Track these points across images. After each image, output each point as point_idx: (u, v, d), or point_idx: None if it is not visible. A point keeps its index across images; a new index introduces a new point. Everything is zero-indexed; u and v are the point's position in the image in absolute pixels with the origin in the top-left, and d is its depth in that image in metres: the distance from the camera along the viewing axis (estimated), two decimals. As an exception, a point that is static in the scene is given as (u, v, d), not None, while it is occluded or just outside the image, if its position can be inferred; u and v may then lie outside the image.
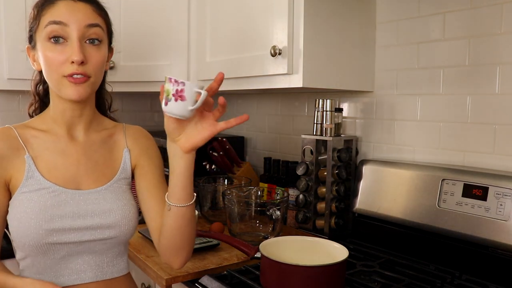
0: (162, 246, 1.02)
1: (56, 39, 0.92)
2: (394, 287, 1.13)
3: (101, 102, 1.13)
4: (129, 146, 1.08)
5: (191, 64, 1.82)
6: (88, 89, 0.95)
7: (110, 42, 1.03)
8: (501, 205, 1.17)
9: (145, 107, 2.52)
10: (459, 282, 1.16)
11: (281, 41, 1.38)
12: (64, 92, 0.94)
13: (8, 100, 2.01)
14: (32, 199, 0.93)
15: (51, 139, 1.00)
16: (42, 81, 1.04)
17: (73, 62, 0.91)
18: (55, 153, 0.99)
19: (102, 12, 1.00)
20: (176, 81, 0.87)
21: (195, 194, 0.97)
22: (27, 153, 0.96)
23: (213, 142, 1.99)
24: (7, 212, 0.95)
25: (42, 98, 1.06)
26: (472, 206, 1.22)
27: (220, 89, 1.77)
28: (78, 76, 0.92)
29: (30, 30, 0.97)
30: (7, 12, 1.67)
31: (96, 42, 0.95)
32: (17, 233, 0.92)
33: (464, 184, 1.25)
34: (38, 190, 0.94)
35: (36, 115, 1.06)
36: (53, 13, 0.92)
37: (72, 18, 0.92)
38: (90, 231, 0.96)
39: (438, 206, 1.30)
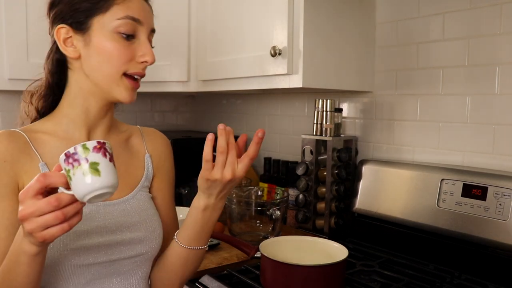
0: (155, 277, 0.96)
1: (128, 35, 0.85)
2: (394, 286, 1.13)
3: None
4: (149, 152, 0.99)
5: (192, 64, 1.82)
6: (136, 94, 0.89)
7: None
8: (500, 205, 1.17)
9: (145, 107, 2.52)
10: (459, 281, 1.16)
11: (281, 41, 1.39)
12: (116, 92, 0.86)
13: (9, 100, 2.01)
14: None
15: (65, 144, 0.85)
16: (58, 72, 0.90)
17: (143, 62, 0.87)
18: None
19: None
20: (67, 154, 0.62)
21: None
22: (41, 160, 0.84)
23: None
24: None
25: (55, 92, 0.92)
26: (471, 206, 1.23)
27: (220, 89, 1.79)
28: (138, 79, 0.88)
29: (81, 11, 0.83)
30: (7, 12, 1.67)
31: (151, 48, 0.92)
32: None
33: (464, 184, 1.25)
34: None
35: (43, 112, 0.93)
36: (130, 7, 0.85)
37: (145, 18, 0.88)
38: (120, 247, 0.86)
39: (438, 206, 1.30)
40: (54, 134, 0.88)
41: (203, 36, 1.75)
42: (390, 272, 1.20)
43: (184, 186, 1.85)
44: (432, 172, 1.34)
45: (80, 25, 0.84)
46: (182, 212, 1.65)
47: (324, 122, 1.57)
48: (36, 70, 1.83)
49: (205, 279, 1.18)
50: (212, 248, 1.40)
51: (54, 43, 0.87)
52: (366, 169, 1.52)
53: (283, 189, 1.73)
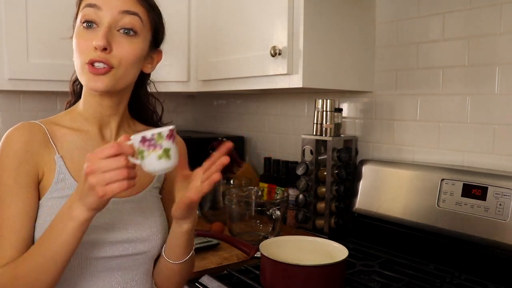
0: (155, 276, 0.99)
1: (89, 24, 0.84)
2: (394, 286, 1.13)
3: (142, 108, 1.05)
4: None
5: (192, 64, 1.82)
6: (110, 82, 0.84)
7: (155, 41, 0.96)
8: (500, 205, 1.17)
9: (145, 107, 2.52)
10: (459, 281, 1.16)
11: (281, 41, 1.39)
12: (84, 81, 0.86)
13: (9, 100, 2.01)
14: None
15: (81, 138, 0.91)
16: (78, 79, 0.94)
17: (96, 48, 0.82)
18: (87, 154, 0.90)
19: (145, 2, 0.90)
20: (144, 138, 0.74)
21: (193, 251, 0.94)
22: (57, 152, 0.87)
23: (213, 142, 1.99)
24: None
25: (77, 96, 0.97)
26: (471, 206, 1.23)
27: (220, 89, 1.79)
28: (100, 66, 0.83)
29: (76, 12, 0.88)
30: (7, 12, 1.67)
31: (131, 32, 0.86)
32: None
33: (464, 184, 1.25)
34: (69, 197, 0.82)
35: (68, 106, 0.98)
36: None
37: (107, 1, 0.84)
38: (124, 244, 0.88)
39: (438, 206, 1.30)
40: (71, 128, 0.91)
41: (203, 36, 1.75)
42: (390, 272, 1.20)
43: (184, 186, 1.85)
44: (432, 172, 1.34)
45: (75, 24, 0.89)
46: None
47: (324, 122, 1.57)
48: (36, 70, 1.84)
49: (205, 279, 1.18)
50: (212, 248, 1.40)
51: None
52: (366, 169, 1.52)
53: (283, 189, 1.73)
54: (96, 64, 0.83)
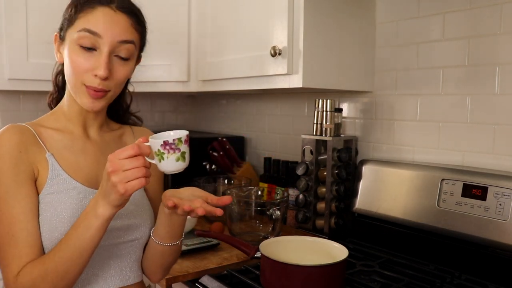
0: (143, 264, 1.05)
1: (88, 48, 0.89)
2: (394, 286, 1.13)
3: (119, 108, 1.13)
4: None
5: (192, 64, 1.82)
6: (104, 103, 0.94)
7: (140, 51, 1.02)
8: (500, 205, 1.17)
9: (145, 107, 2.52)
10: (459, 281, 1.16)
11: (281, 41, 1.39)
12: (80, 100, 0.92)
13: (9, 100, 2.01)
14: (62, 201, 0.89)
15: (68, 138, 0.96)
16: (62, 72, 0.99)
17: (96, 75, 0.88)
18: (75, 152, 0.96)
19: (140, 26, 0.95)
20: (166, 142, 0.81)
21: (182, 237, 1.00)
22: (47, 151, 0.92)
23: (213, 142, 1.99)
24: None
25: (60, 90, 1.03)
26: (471, 206, 1.23)
27: (220, 89, 1.79)
28: (98, 91, 0.90)
29: (63, 22, 0.92)
30: (7, 13, 1.67)
31: (126, 59, 0.93)
32: (49, 239, 0.87)
33: (464, 184, 1.25)
34: (66, 191, 0.91)
35: (54, 106, 1.02)
36: (90, 20, 0.88)
37: (108, 31, 0.88)
38: (119, 232, 0.95)
39: (438, 206, 1.30)
40: (56, 129, 0.96)
41: (203, 36, 1.75)
42: (390, 272, 1.20)
43: (184, 186, 1.85)
44: (432, 172, 1.34)
45: (62, 34, 0.93)
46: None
47: (324, 122, 1.57)
48: (36, 70, 1.84)
49: (205, 279, 1.18)
50: (212, 248, 1.40)
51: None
52: (366, 169, 1.52)
53: (283, 189, 1.73)
54: (95, 90, 0.90)
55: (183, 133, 0.82)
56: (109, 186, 0.78)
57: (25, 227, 0.85)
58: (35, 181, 0.90)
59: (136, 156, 0.78)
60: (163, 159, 0.81)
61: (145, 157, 0.80)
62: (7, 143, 0.88)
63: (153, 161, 0.81)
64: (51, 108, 1.03)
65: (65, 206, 0.89)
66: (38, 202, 0.89)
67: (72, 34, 0.89)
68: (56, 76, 1.04)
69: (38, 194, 0.89)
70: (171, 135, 0.83)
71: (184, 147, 0.82)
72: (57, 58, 0.96)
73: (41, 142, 0.92)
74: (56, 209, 0.89)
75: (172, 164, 0.81)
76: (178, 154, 0.81)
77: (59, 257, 0.83)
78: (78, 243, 0.82)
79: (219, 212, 0.88)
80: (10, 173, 0.86)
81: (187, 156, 0.83)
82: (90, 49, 0.88)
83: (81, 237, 0.82)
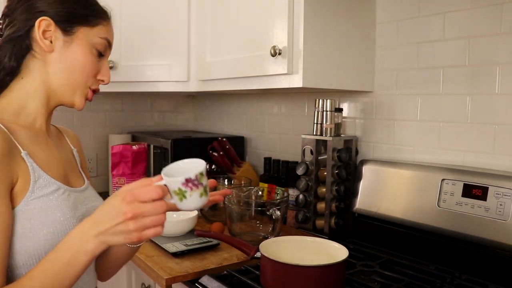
0: (103, 261, 1.03)
1: (100, 54, 0.93)
2: (394, 287, 1.13)
3: None
4: (74, 147, 1.06)
5: (191, 64, 1.82)
6: None
7: None
8: (500, 205, 1.17)
9: (145, 107, 2.52)
10: (459, 282, 1.16)
11: (281, 41, 1.38)
12: (77, 99, 0.91)
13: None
14: (51, 205, 0.82)
15: (33, 134, 0.87)
16: (21, 57, 0.87)
17: (101, 80, 0.95)
18: (44, 149, 0.88)
19: None
20: (188, 180, 0.72)
21: None
22: (22, 150, 0.81)
23: (213, 142, 1.99)
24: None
25: (5, 75, 0.87)
26: (472, 206, 1.23)
27: (220, 89, 1.79)
28: (95, 93, 0.95)
29: (70, 15, 0.88)
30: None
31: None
32: (44, 251, 0.78)
33: (464, 184, 1.25)
34: (53, 192, 0.83)
35: None
36: (109, 31, 0.95)
37: (112, 44, 0.97)
38: None
39: (438, 206, 1.30)
40: (18, 124, 0.87)
41: (203, 36, 1.75)
42: (391, 273, 1.20)
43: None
44: (433, 172, 1.34)
45: (67, 26, 0.88)
46: (178, 212, 1.65)
47: (324, 122, 1.56)
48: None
49: (205, 279, 1.18)
50: (212, 248, 1.40)
51: (27, 28, 0.86)
52: (366, 169, 1.52)
53: (283, 189, 1.73)
54: (95, 93, 0.95)
55: (201, 165, 0.74)
56: (120, 229, 0.69)
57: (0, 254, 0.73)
58: (13, 189, 0.78)
59: (158, 198, 0.69)
60: (185, 197, 0.72)
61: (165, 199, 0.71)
62: None
63: (171, 201, 0.72)
64: None
65: (60, 207, 0.82)
66: (13, 217, 0.77)
67: (91, 36, 0.90)
68: (14, 58, 0.87)
69: (14, 203, 0.78)
70: (190, 169, 0.73)
71: (205, 180, 0.73)
72: (43, 44, 0.86)
73: (14, 140, 0.81)
74: (55, 211, 0.81)
75: (195, 201, 0.73)
76: (201, 189, 0.72)
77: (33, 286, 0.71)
78: (60, 277, 0.72)
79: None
80: None
81: (208, 189, 0.75)
82: (101, 55, 0.94)
83: (65, 273, 0.72)
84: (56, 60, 0.88)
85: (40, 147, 0.87)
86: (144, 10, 1.86)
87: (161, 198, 0.69)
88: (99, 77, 0.94)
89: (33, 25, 0.85)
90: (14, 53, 0.86)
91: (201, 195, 0.73)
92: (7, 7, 0.89)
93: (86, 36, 0.89)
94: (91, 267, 0.96)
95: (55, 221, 0.81)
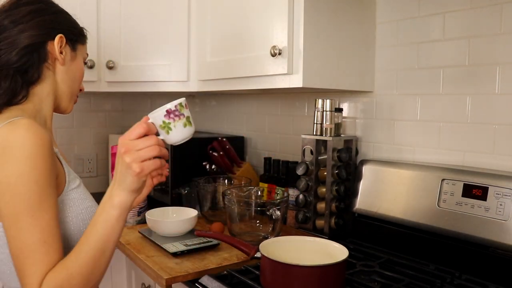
0: None
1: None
2: (394, 287, 1.13)
3: None
4: None
5: (191, 64, 1.82)
6: None
7: None
8: (501, 205, 1.17)
9: (145, 107, 2.52)
10: (459, 282, 1.16)
11: (281, 41, 1.38)
12: (68, 104, 1.06)
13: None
14: (84, 194, 0.98)
15: (49, 135, 0.94)
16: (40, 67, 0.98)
17: (82, 89, 1.13)
18: (56, 147, 1.00)
19: None
20: (168, 111, 0.81)
21: None
22: (55, 148, 0.94)
23: (213, 142, 1.99)
24: None
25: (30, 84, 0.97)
26: (472, 206, 1.23)
27: (220, 89, 1.79)
28: None
29: (74, 35, 1.04)
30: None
31: None
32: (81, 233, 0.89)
33: (464, 184, 1.25)
34: (79, 185, 0.98)
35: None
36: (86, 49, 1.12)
37: None
38: None
39: (438, 206, 1.30)
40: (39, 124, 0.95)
41: (203, 36, 1.75)
42: (391, 273, 1.20)
43: (184, 186, 1.85)
44: (433, 172, 1.34)
45: (73, 43, 1.04)
46: (178, 212, 1.65)
47: (324, 122, 1.56)
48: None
49: (205, 279, 1.18)
50: (212, 248, 1.40)
51: (41, 41, 0.97)
52: (366, 169, 1.52)
53: (283, 189, 1.73)
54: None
55: (181, 99, 0.81)
56: (123, 168, 0.77)
57: (54, 233, 0.83)
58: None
59: (146, 135, 0.78)
60: (170, 129, 0.79)
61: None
62: (46, 141, 0.84)
63: (160, 137, 0.80)
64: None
65: (89, 198, 0.98)
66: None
67: (83, 52, 1.08)
68: (36, 68, 0.98)
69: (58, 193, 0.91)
70: (170, 104, 0.81)
71: (187, 111, 0.81)
72: (59, 59, 1.00)
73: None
74: (84, 202, 0.95)
75: (181, 131, 0.80)
76: (184, 119, 0.80)
77: (81, 258, 0.81)
78: (99, 239, 0.81)
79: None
80: (49, 174, 0.83)
81: (192, 120, 0.82)
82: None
83: (102, 232, 0.81)
84: (63, 71, 1.01)
85: (54, 145, 0.97)
86: (144, 10, 1.86)
87: (148, 133, 0.78)
88: (81, 86, 1.11)
89: (48, 40, 0.98)
90: (38, 65, 0.97)
91: (184, 125, 0.80)
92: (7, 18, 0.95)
93: (81, 52, 1.07)
94: None
95: (88, 207, 0.97)
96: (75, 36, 1.04)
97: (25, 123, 0.84)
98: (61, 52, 0.99)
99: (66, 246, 0.89)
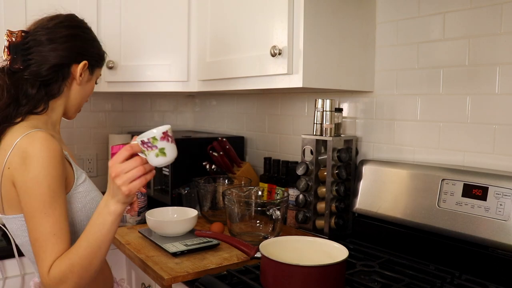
0: None
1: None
2: (394, 287, 1.13)
3: None
4: None
5: (191, 64, 1.82)
6: None
7: None
8: (501, 205, 1.17)
9: (145, 107, 2.52)
10: (459, 282, 1.16)
11: (281, 41, 1.38)
12: (75, 114, 1.22)
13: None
14: (91, 187, 1.13)
15: (58, 137, 1.15)
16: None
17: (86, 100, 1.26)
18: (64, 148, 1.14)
19: None
20: (142, 142, 0.91)
21: None
22: (64, 152, 1.07)
23: (213, 142, 1.99)
24: None
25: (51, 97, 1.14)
26: (472, 206, 1.23)
27: (220, 89, 1.80)
28: None
29: (94, 59, 1.17)
30: (7, 12, 1.67)
31: None
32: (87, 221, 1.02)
33: (464, 184, 1.25)
34: (85, 179, 1.13)
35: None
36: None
37: None
38: None
39: (438, 206, 1.30)
40: (50, 133, 1.07)
41: (203, 36, 1.75)
42: (391, 273, 1.20)
43: (184, 186, 1.85)
44: (433, 172, 1.34)
45: (93, 68, 1.18)
46: (178, 212, 1.65)
47: (324, 122, 1.56)
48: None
49: (205, 279, 1.18)
50: (212, 248, 1.40)
51: (66, 63, 1.12)
52: (366, 169, 1.52)
53: (283, 189, 1.73)
54: None
55: (158, 130, 0.90)
56: (115, 188, 0.91)
57: (63, 227, 0.98)
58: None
59: (132, 157, 0.90)
60: (145, 155, 0.91)
61: (140, 154, 0.91)
62: (58, 152, 1.00)
63: (144, 157, 0.91)
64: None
65: (93, 189, 1.13)
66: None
67: (98, 74, 1.22)
68: (59, 85, 1.15)
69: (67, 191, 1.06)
70: (148, 133, 0.90)
71: (162, 144, 0.90)
72: (77, 80, 1.14)
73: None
74: (90, 194, 1.11)
75: (153, 159, 0.90)
76: (156, 150, 0.90)
77: (81, 252, 0.95)
78: (96, 238, 0.95)
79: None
80: (59, 179, 0.99)
81: (168, 151, 0.90)
82: None
83: (99, 232, 0.95)
84: (78, 89, 1.16)
85: (64, 148, 1.12)
86: (144, 10, 1.86)
87: (132, 154, 0.90)
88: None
89: (73, 63, 1.12)
90: (60, 82, 1.12)
91: (156, 155, 0.90)
92: (34, 39, 1.09)
93: (97, 74, 1.22)
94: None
95: (93, 197, 1.12)
96: (97, 62, 1.19)
97: (40, 137, 0.99)
98: (80, 75, 1.14)
99: (73, 231, 1.06)
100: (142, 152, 0.91)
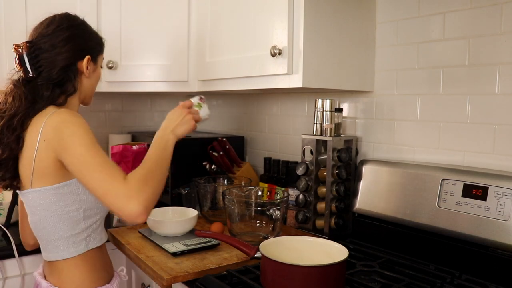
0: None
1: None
2: (394, 287, 1.13)
3: None
4: None
5: (191, 64, 1.82)
6: None
7: None
8: (501, 205, 1.17)
9: (145, 107, 2.52)
10: (459, 282, 1.16)
11: (281, 41, 1.38)
12: (90, 101, 1.33)
13: (8, 100, 2.01)
14: None
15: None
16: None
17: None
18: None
19: None
20: (200, 98, 1.36)
21: None
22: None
23: (213, 142, 1.99)
24: None
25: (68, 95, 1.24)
26: (472, 206, 1.23)
27: (220, 89, 1.80)
28: None
29: (95, 48, 1.26)
30: (7, 12, 1.67)
31: None
32: None
33: (464, 184, 1.25)
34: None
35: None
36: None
37: None
38: None
39: (438, 206, 1.30)
40: None
41: (202, 36, 1.75)
42: (391, 273, 1.20)
43: (184, 186, 1.85)
44: (433, 172, 1.34)
45: (95, 58, 1.27)
46: (178, 212, 1.65)
47: (324, 122, 1.56)
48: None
49: (205, 279, 1.18)
50: (212, 248, 1.40)
51: (74, 61, 1.21)
52: (366, 169, 1.52)
53: (283, 189, 1.73)
54: None
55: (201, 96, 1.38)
56: (186, 119, 1.24)
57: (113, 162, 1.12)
58: None
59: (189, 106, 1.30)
60: (201, 107, 1.32)
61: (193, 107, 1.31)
62: (86, 123, 1.13)
63: (197, 109, 1.31)
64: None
65: None
66: None
67: (101, 60, 1.31)
68: (72, 80, 1.25)
69: None
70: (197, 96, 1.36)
71: (205, 104, 1.36)
72: (85, 73, 1.23)
73: None
74: None
75: (206, 109, 1.34)
76: (206, 104, 1.35)
77: (147, 166, 1.11)
78: (157, 156, 1.15)
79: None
80: (93, 136, 1.11)
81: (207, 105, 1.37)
82: None
83: (158, 152, 1.16)
84: (87, 81, 1.26)
85: None
86: (144, 10, 1.86)
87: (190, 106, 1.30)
88: None
89: (78, 60, 1.21)
90: (73, 80, 1.22)
91: (208, 106, 1.35)
92: (39, 42, 1.18)
93: (100, 60, 1.31)
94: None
95: None
96: (98, 51, 1.28)
97: (67, 111, 1.13)
98: (87, 68, 1.23)
99: (96, 206, 1.20)
100: (195, 106, 1.31)
